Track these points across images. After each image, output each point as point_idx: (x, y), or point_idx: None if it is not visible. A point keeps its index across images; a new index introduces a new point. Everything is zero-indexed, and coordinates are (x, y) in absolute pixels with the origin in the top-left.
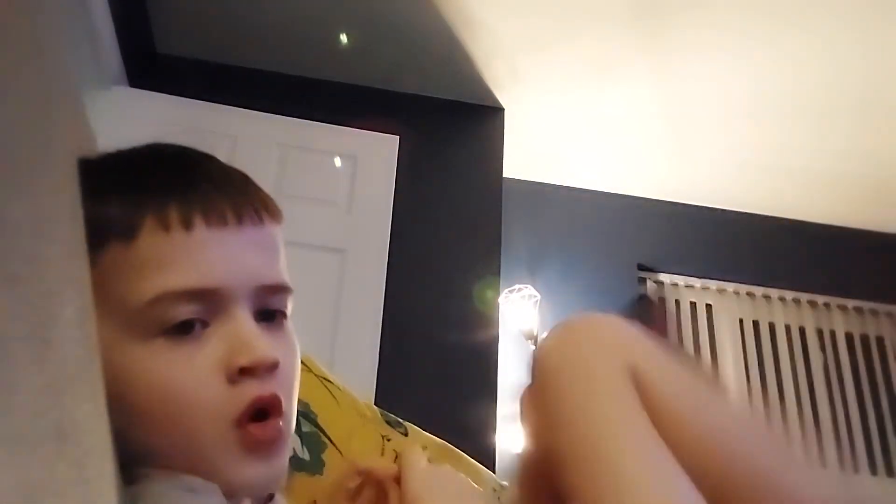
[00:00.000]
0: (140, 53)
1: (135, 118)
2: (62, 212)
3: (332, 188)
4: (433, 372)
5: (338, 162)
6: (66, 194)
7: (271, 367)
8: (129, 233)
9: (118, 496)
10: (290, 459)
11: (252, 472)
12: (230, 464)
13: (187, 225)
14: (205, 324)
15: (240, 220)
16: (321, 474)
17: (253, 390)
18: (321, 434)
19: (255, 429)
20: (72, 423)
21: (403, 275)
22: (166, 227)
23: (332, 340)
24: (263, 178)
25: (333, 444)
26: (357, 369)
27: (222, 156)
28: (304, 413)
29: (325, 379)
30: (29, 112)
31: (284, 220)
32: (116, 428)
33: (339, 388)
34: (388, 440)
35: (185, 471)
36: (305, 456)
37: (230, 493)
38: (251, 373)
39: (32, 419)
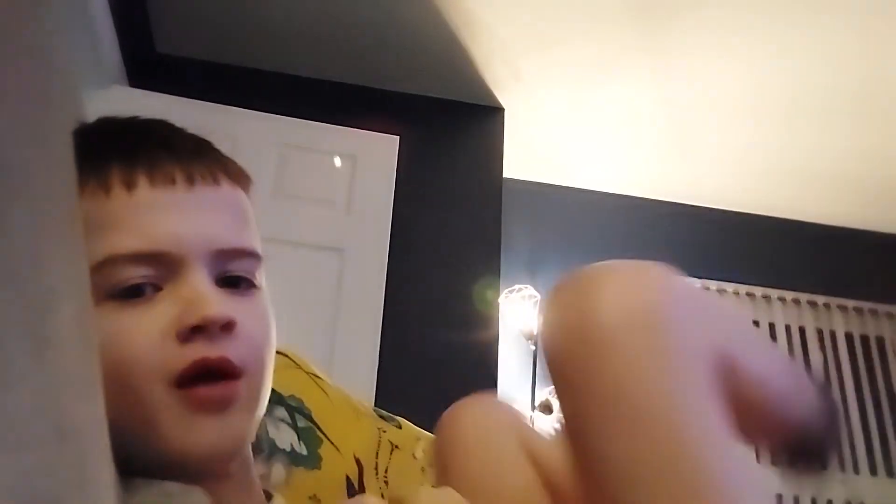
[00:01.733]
0: (140, 53)
1: None
2: (62, 211)
3: (332, 188)
4: (433, 372)
5: (338, 161)
6: (66, 194)
7: (225, 327)
8: None
9: (117, 498)
10: (289, 455)
11: (201, 432)
12: (177, 427)
13: (129, 186)
14: (157, 287)
15: (191, 181)
16: (319, 469)
17: (200, 351)
18: (316, 429)
19: (202, 389)
20: (71, 424)
21: (403, 275)
22: (107, 190)
23: (332, 340)
24: (263, 178)
25: (328, 439)
26: (357, 369)
27: None
28: (299, 409)
29: (314, 375)
30: (28, 112)
31: (252, 184)
32: None
33: (328, 385)
34: (384, 432)
35: (138, 444)
36: (303, 451)
37: (190, 463)
38: (203, 331)
39: (31, 419)
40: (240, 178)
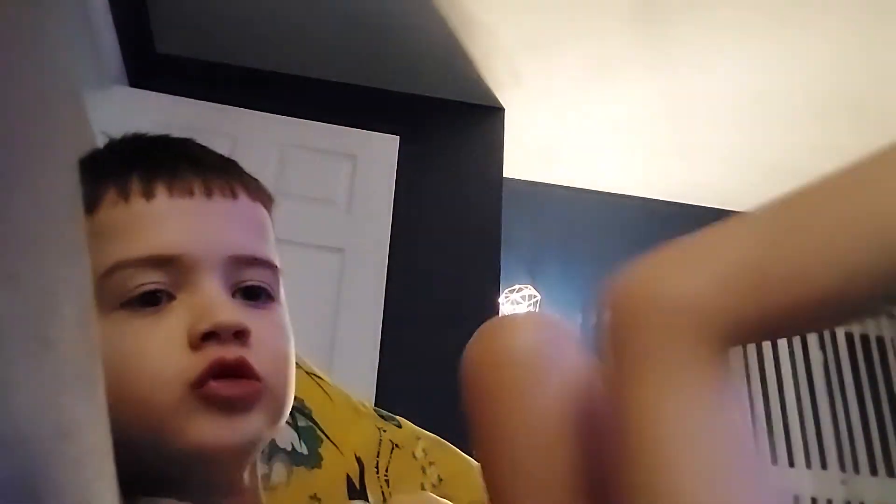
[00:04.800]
0: (140, 53)
1: (135, 118)
2: (62, 211)
3: (332, 188)
4: (433, 372)
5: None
6: (67, 194)
7: (239, 334)
8: (89, 207)
9: (117, 498)
10: (289, 454)
11: (214, 430)
12: (189, 424)
13: (148, 194)
14: (171, 296)
15: (209, 192)
16: (319, 468)
17: (216, 353)
18: (317, 428)
19: (218, 384)
20: (72, 424)
21: (403, 275)
22: (126, 197)
23: (332, 340)
24: (263, 178)
25: (329, 439)
26: (357, 369)
27: None
28: (300, 408)
29: (314, 375)
30: (29, 112)
31: (276, 204)
32: None
33: (330, 385)
34: (385, 431)
35: (151, 452)
36: (303, 450)
37: (202, 461)
38: (215, 338)
39: (32, 419)
40: (261, 195)
